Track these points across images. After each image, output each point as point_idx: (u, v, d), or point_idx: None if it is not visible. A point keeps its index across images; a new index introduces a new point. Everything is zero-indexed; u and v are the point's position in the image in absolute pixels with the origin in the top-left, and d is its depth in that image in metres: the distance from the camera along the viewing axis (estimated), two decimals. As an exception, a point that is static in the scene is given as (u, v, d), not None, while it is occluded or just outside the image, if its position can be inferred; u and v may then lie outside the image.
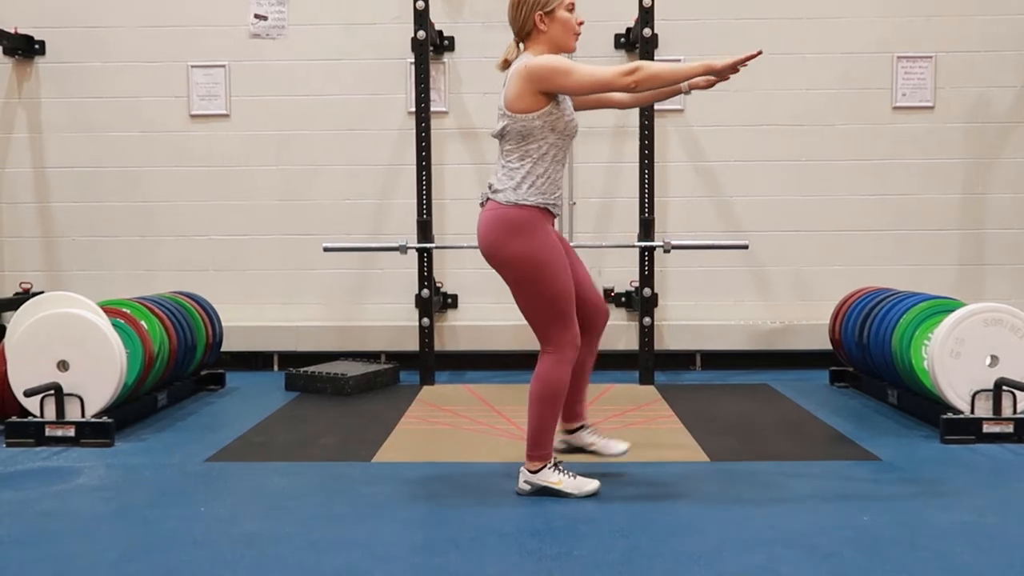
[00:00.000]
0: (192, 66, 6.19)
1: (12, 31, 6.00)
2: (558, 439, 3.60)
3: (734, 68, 3.23)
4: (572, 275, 3.39)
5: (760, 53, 3.20)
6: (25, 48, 6.11)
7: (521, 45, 3.37)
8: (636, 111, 5.62)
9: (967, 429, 4.09)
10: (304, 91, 6.18)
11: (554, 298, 3.28)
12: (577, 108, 3.49)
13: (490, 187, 3.36)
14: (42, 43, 6.17)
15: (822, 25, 6.08)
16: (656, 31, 5.52)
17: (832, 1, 6.06)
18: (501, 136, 3.34)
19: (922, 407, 4.48)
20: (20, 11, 6.11)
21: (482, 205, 3.39)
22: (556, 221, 3.44)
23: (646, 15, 5.46)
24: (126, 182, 6.24)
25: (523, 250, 3.25)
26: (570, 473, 3.38)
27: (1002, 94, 6.08)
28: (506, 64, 3.38)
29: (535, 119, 3.24)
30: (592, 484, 3.37)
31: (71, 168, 6.25)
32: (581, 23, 3.38)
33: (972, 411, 4.11)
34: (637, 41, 5.60)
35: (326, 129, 6.19)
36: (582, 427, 3.80)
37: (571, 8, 3.33)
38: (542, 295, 3.28)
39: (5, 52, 6.13)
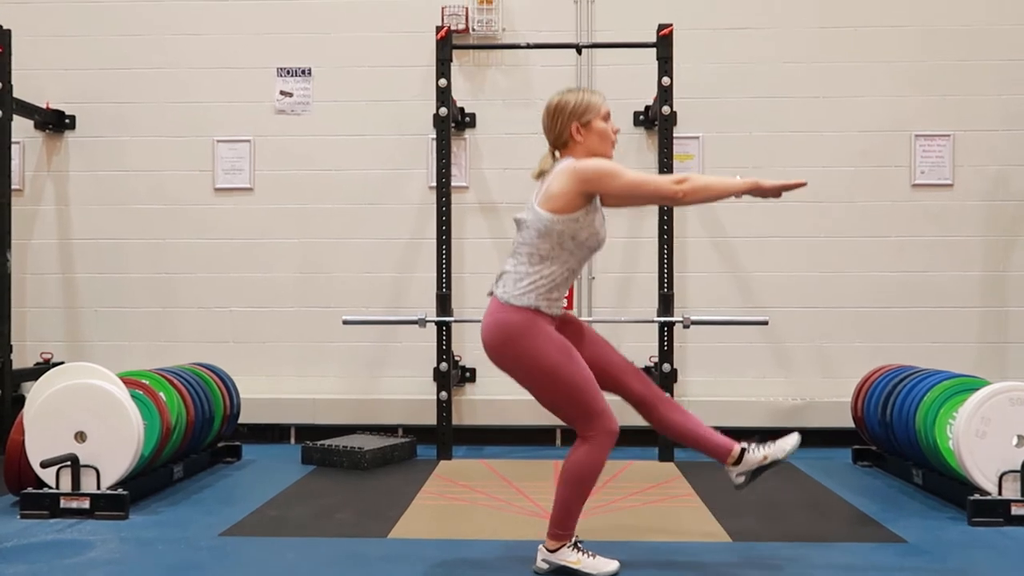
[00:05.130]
0: (217, 141, 6.31)
1: (44, 106, 6.15)
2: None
3: (778, 192, 3.24)
4: (594, 355, 3.35)
5: (805, 184, 3.26)
6: (56, 123, 6.25)
7: (556, 154, 3.37)
8: (655, 187, 5.67)
9: (995, 511, 4.00)
10: (327, 165, 6.28)
11: (572, 391, 3.22)
12: (615, 206, 3.44)
13: (497, 277, 3.34)
14: (72, 118, 6.32)
15: (840, 103, 6.14)
16: (675, 109, 5.59)
17: (850, 80, 6.13)
18: (520, 226, 3.32)
19: (948, 488, 4.40)
20: (53, 87, 6.26)
21: (488, 296, 3.36)
22: (575, 291, 3.39)
23: (665, 93, 5.54)
24: (150, 254, 6.32)
25: (521, 355, 3.22)
26: (589, 552, 3.33)
27: (1021, 172, 6.09)
28: (541, 175, 3.36)
29: (559, 222, 3.20)
30: (612, 565, 3.31)
31: (96, 240, 6.34)
32: (617, 131, 3.39)
33: (1000, 493, 4.02)
34: (656, 119, 5.66)
35: (348, 203, 6.27)
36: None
37: (607, 117, 3.34)
38: (558, 392, 3.24)
39: (36, 126, 6.27)
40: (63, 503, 4.07)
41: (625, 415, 6.19)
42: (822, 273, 6.15)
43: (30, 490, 4.13)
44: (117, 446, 4.11)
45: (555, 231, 3.22)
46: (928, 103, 6.13)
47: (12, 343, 5.63)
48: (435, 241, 5.67)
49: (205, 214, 6.32)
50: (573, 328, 3.42)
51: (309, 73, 6.30)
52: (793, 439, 3.45)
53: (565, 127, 3.31)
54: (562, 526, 3.31)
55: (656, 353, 5.62)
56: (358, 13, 6.28)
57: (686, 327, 5.56)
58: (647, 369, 6.02)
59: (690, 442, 3.44)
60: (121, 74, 6.32)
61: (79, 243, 6.36)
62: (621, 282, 6.15)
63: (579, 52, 6.02)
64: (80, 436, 4.11)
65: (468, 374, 6.18)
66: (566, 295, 3.39)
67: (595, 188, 3.22)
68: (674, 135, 5.66)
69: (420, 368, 6.15)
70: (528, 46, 5.83)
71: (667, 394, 3.51)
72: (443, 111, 5.60)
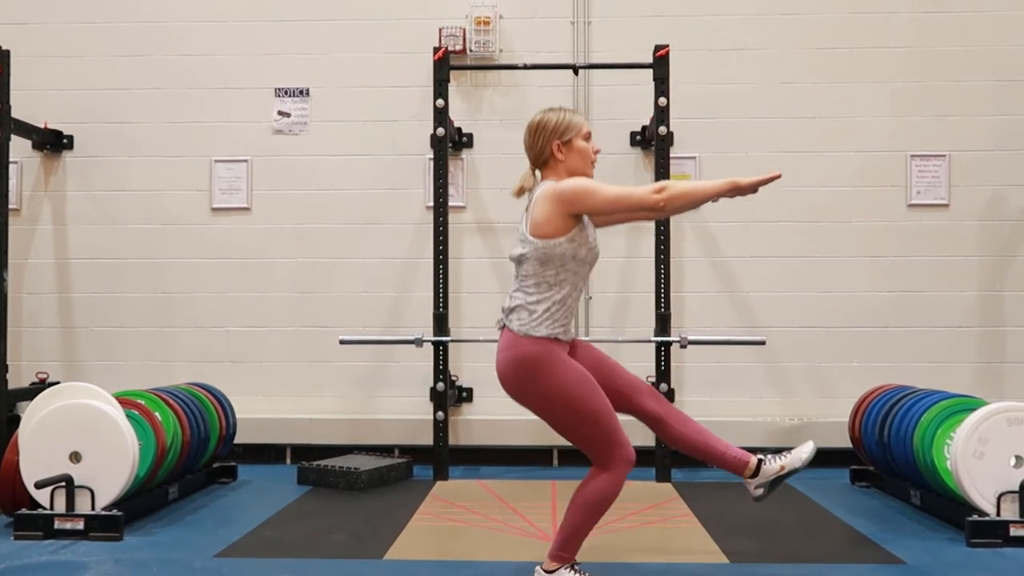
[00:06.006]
0: (215, 161, 6.32)
1: (42, 126, 6.16)
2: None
3: (755, 188, 3.25)
4: (605, 377, 3.33)
5: (780, 176, 3.24)
6: (54, 143, 6.26)
7: (538, 173, 3.39)
8: (652, 207, 5.69)
9: (993, 532, 3.99)
10: (324, 185, 6.29)
11: (593, 422, 3.21)
12: (603, 224, 3.49)
13: (504, 311, 3.33)
14: (70, 138, 6.33)
15: (836, 124, 6.17)
16: (671, 129, 5.61)
17: (846, 100, 6.16)
18: (519, 261, 3.31)
19: (946, 508, 4.38)
20: (51, 107, 6.27)
21: (500, 330, 3.35)
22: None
23: (661, 114, 5.56)
24: (146, 273, 6.31)
25: (543, 387, 3.21)
26: (586, 574, 3.31)
27: (1018, 192, 6.11)
28: (521, 191, 3.38)
29: (557, 246, 3.21)
30: (608, 586, 3.29)
31: (93, 259, 6.33)
32: (598, 151, 3.41)
33: (998, 513, 4.01)
34: (652, 139, 5.68)
35: (345, 222, 6.27)
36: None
37: (588, 137, 3.36)
38: (580, 423, 3.23)
39: (34, 146, 6.27)
40: (57, 524, 4.05)
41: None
42: (819, 293, 6.15)
43: (24, 511, 4.11)
44: (112, 466, 4.09)
45: (555, 255, 3.23)
46: (924, 123, 6.15)
47: (8, 363, 5.60)
48: (432, 261, 5.67)
49: (202, 234, 6.32)
50: (583, 352, 3.42)
51: (307, 93, 6.32)
52: (808, 447, 3.44)
53: (546, 145, 3.32)
54: (566, 549, 3.29)
55: (653, 373, 5.61)
56: (356, 34, 6.31)
57: (683, 347, 5.55)
58: (644, 389, 6.02)
59: (706, 457, 3.43)
60: (119, 94, 6.34)
61: (76, 263, 6.35)
62: (618, 302, 6.15)
63: (576, 73, 6.05)
64: (75, 456, 4.09)
65: (465, 394, 6.16)
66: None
67: (577, 208, 3.23)
68: (671, 155, 5.68)
69: (417, 388, 6.13)
70: (525, 67, 5.86)
71: (680, 410, 3.49)
72: (440, 131, 5.62)
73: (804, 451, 3.43)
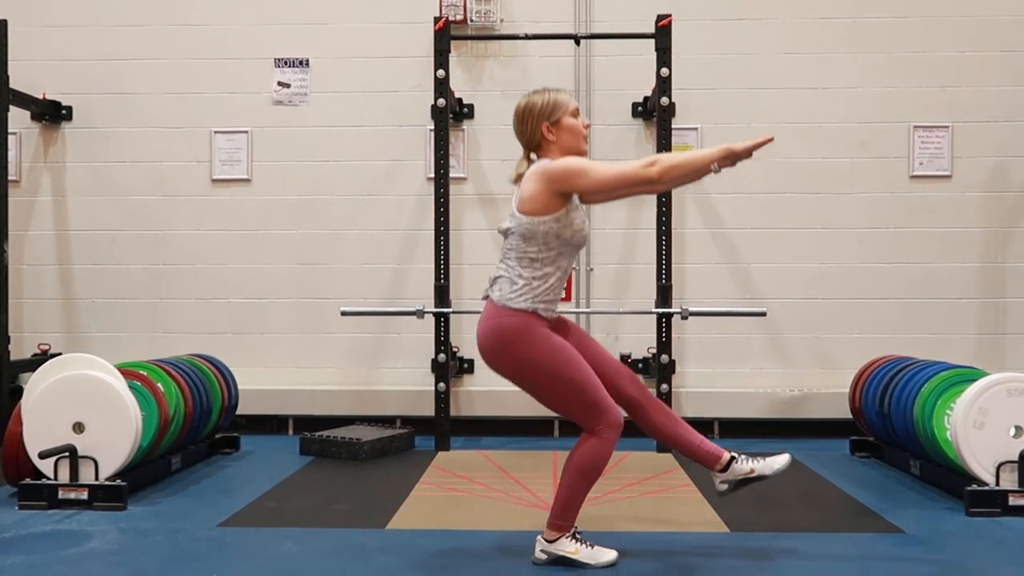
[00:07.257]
0: (215, 132, 6.29)
1: (41, 97, 6.12)
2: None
3: (749, 152, 3.23)
4: (586, 358, 3.31)
5: (772, 140, 3.25)
6: (53, 114, 6.23)
7: (533, 156, 3.38)
8: (653, 178, 5.67)
9: (992, 502, 4.01)
10: (325, 157, 6.27)
11: (573, 391, 3.23)
12: (601, 201, 3.52)
13: (489, 281, 3.36)
14: (69, 108, 6.30)
15: (839, 94, 6.13)
16: (673, 100, 5.58)
17: (849, 71, 6.12)
18: (505, 235, 3.33)
19: (946, 478, 4.40)
20: (49, 78, 6.24)
21: (483, 300, 3.38)
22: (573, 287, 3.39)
23: (663, 84, 5.53)
24: (147, 245, 6.31)
25: (522, 358, 3.23)
26: (587, 543, 3.33)
27: (1020, 163, 6.09)
28: (519, 179, 3.37)
29: (541, 223, 3.22)
30: (609, 555, 3.32)
31: (93, 231, 6.32)
32: (588, 126, 3.41)
33: (997, 483, 4.03)
34: (654, 110, 5.65)
35: (346, 194, 6.26)
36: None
37: (576, 113, 3.36)
38: (560, 393, 3.26)
39: (33, 117, 6.25)
40: (61, 494, 4.07)
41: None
42: (820, 264, 6.15)
43: (28, 481, 4.13)
44: (115, 437, 4.10)
45: (539, 232, 3.23)
46: (927, 94, 6.12)
47: (9, 334, 5.62)
48: (433, 232, 5.66)
49: (203, 205, 6.31)
50: (566, 330, 3.43)
51: (307, 64, 6.29)
52: (783, 458, 3.44)
53: (536, 128, 3.32)
54: (564, 517, 3.32)
55: (654, 344, 5.62)
56: (356, 3, 6.26)
57: (684, 318, 5.56)
58: (645, 361, 6.03)
59: (680, 447, 3.45)
60: (118, 65, 6.30)
61: (76, 234, 6.34)
62: (619, 273, 6.15)
63: (577, 43, 6.00)
64: (78, 427, 4.11)
65: (466, 365, 6.17)
66: (561, 296, 3.39)
67: (566, 187, 3.23)
68: (673, 126, 5.65)
69: (418, 359, 6.15)
70: (526, 37, 5.81)
71: (658, 399, 3.52)
72: (441, 102, 5.59)
73: (778, 461, 3.42)
